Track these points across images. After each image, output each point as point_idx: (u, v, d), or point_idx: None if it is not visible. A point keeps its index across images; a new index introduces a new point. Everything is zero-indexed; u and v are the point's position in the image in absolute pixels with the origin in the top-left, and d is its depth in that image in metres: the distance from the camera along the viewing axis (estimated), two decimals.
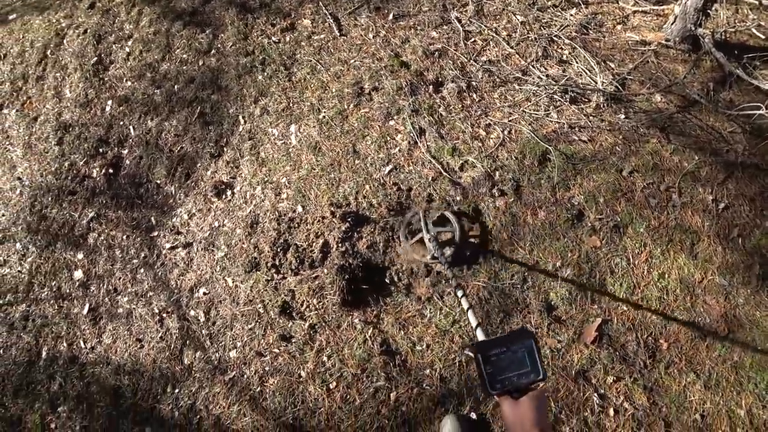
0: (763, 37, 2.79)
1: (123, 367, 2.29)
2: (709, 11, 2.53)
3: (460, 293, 1.39)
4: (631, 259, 2.22)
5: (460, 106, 2.62)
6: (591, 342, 2.11)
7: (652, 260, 2.22)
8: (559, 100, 2.56)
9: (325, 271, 2.19)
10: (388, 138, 2.56)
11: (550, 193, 2.33)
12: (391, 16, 3.04)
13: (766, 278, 2.21)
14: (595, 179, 2.37)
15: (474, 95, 2.67)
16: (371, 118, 2.64)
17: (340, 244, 2.24)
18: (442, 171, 2.41)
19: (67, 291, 2.55)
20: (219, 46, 3.14)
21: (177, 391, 2.20)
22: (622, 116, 2.54)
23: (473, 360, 1.56)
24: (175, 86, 3.06)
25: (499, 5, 3.00)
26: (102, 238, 2.67)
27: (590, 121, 2.54)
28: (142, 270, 2.52)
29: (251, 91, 2.91)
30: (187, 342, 2.29)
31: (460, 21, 2.95)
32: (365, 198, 2.39)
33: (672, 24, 2.68)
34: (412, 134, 2.53)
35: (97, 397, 2.25)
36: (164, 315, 2.37)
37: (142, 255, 2.57)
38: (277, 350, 2.18)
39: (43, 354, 2.40)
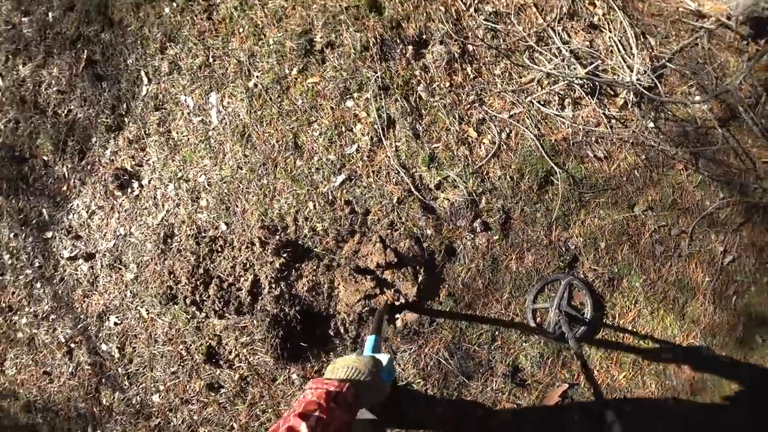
0: None
1: (34, 403, 2.01)
2: None
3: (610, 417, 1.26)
4: (616, 319, 1.82)
5: (448, 84, 1.86)
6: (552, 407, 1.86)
7: (638, 320, 1.83)
8: (579, 89, 1.81)
9: (255, 322, 1.76)
10: (344, 129, 1.86)
11: (545, 232, 1.79)
12: None
13: (745, 341, 1.91)
14: (602, 216, 1.81)
15: (468, 68, 1.87)
16: (321, 94, 1.88)
17: (273, 285, 1.76)
18: (413, 188, 1.80)
19: None
20: None
21: None
22: (651, 124, 1.84)
23: None
24: (50, 14, 2.14)
25: None
26: None
27: (612, 128, 1.84)
28: (38, 285, 2.05)
29: (155, 33, 2.03)
30: (103, 380, 1.96)
31: None
32: (307, 221, 1.82)
33: None
34: (376, 126, 1.83)
35: None
36: (72, 345, 1.99)
37: (36, 264, 2.07)
38: (205, 399, 1.88)
39: None
